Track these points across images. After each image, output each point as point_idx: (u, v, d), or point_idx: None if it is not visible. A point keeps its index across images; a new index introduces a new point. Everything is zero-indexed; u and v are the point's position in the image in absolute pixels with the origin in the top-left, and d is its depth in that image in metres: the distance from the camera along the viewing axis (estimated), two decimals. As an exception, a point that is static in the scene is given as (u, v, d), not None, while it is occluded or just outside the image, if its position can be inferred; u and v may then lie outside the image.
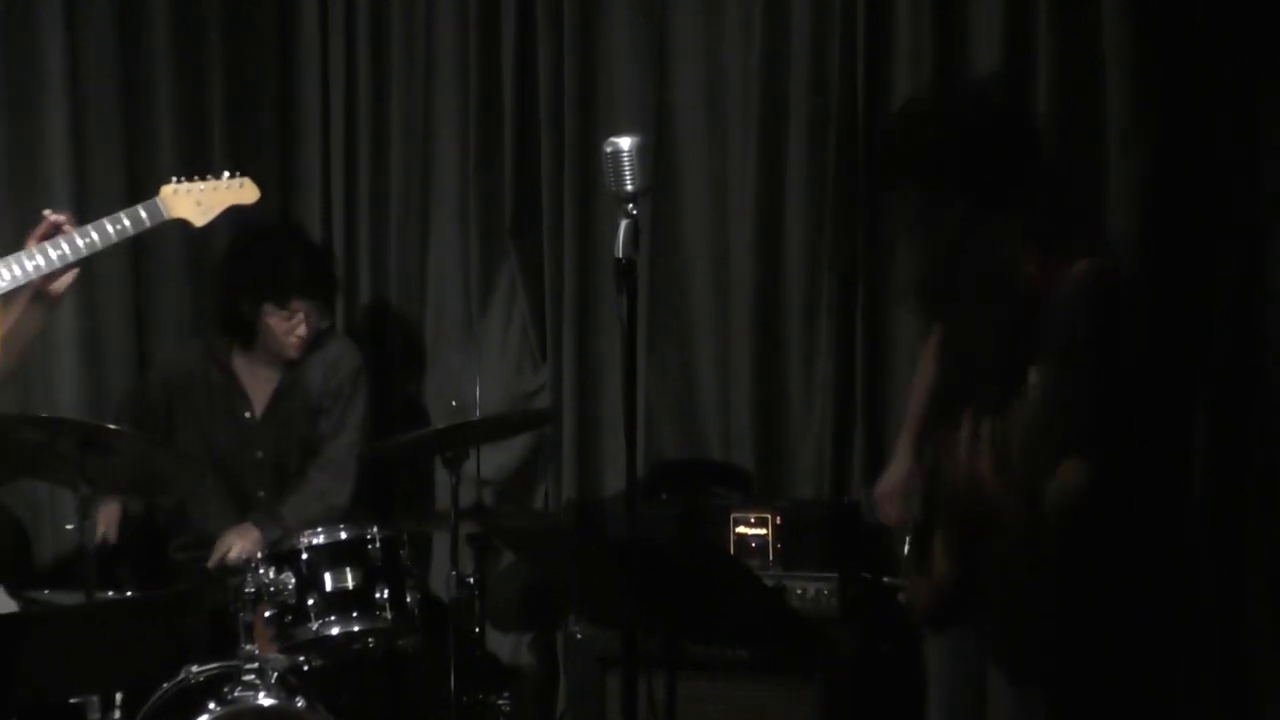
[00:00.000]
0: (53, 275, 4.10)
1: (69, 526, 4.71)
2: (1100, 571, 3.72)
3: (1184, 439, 4.37)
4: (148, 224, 4.24)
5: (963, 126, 3.71)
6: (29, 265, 4.00)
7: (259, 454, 5.45)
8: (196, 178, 4.35)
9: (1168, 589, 4.28)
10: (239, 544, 5.15)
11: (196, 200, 4.30)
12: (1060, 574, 3.68)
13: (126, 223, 4.17)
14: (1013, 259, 3.68)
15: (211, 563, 5.15)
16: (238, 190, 4.43)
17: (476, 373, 5.61)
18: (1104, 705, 3.76)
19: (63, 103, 5.76)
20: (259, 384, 5.50)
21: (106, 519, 5.29)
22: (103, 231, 4.09)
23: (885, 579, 4.72)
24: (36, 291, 4.14)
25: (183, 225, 4.43)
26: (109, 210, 4.17)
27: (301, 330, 5.39)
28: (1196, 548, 4.37)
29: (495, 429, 5.40)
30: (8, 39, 5.73)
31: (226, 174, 4.41)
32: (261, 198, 4.44)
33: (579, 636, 5.02)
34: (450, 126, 5.93)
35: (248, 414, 5.48)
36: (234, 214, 4.68)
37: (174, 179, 4.34)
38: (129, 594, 4.98)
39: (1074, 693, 3.70)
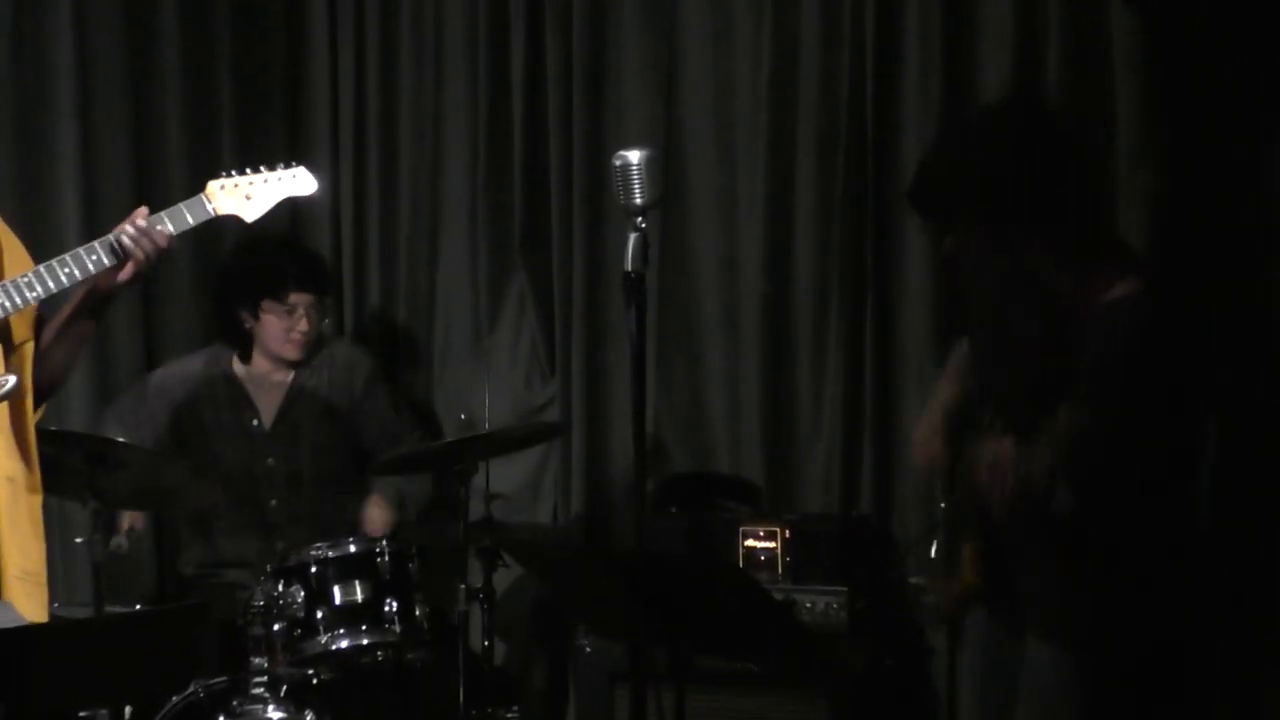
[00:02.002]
0: (100, 274, 3.77)
1: (78, 540, 4.71)
2: (1110, 576, 3.72)
3: (1194, 448, 4.36)
4: (191, 223, 3.87)
5: (1009, 149, 3.67)
6: (75, 270, 3.72)
7: (270, 462, 5.46)
8: (249, 170, 3.97)
9: (1176, 594, 4.27)
10: (379, 516, 5.28)
11: (245, 195, 3.93)
12: (1073, 576, 3.69)
13: (169, 224, 3.83)
14: (1050, 278, 3.66)
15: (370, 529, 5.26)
16: (291, 181, 4.01)
17: (485, 386, 5.60)
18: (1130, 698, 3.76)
19: (71, 114, 5.78)
20: (265, 392, 5.52)
21: (133, 515, 5.32)
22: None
23: (912, 579, 4.73)
24: (87, 292, 3.83)
25: (233, 221, 4.00)
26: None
27: (303, 326, 5.41)
28: (1204, 554, 4.36)
29: (504, 442, 5.39)
30: (18, 40, 5.76)
31: (282, 165, 4.02)
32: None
33: (588, 650, 5.01)
34: (459, 141, 5.93)
35: (255, 423, 5.49)
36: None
37: (222, 174, 3.96)
38: (138, 607, 4.98)
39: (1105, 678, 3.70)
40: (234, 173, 3.97)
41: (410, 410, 5.77)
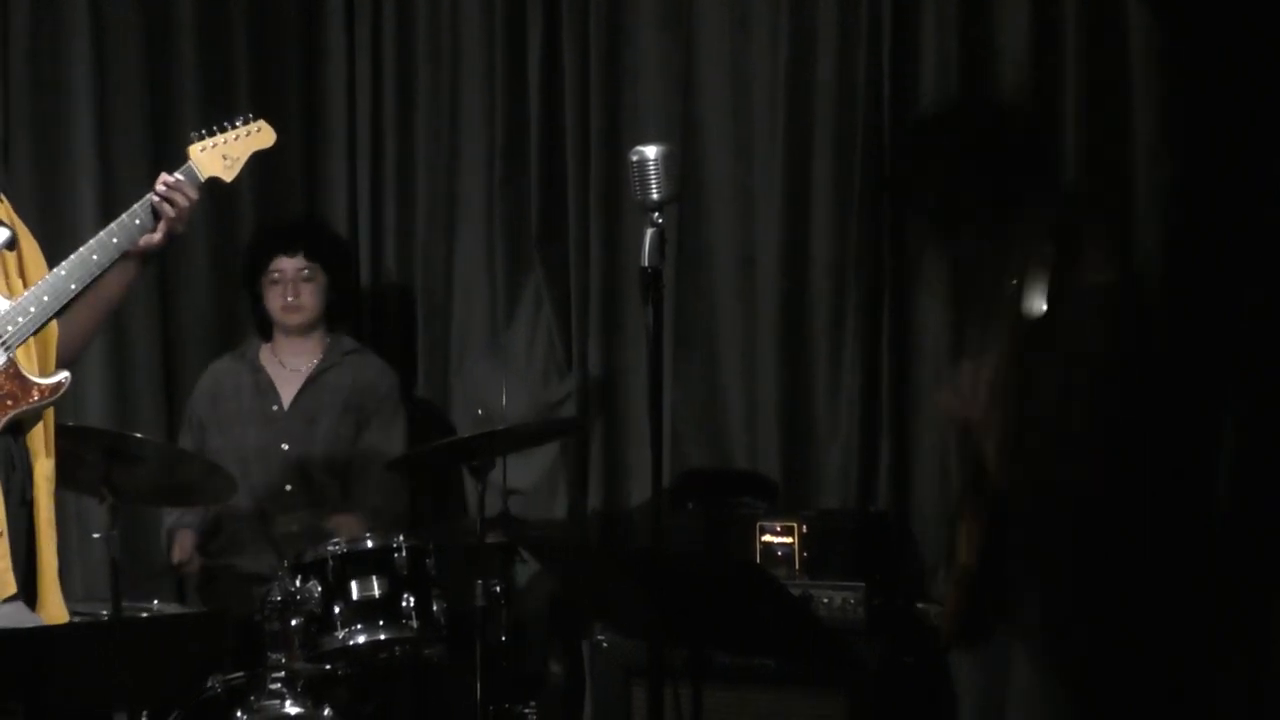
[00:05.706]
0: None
1: (96, 535, 4.72)
2: (1123, 573, 3.72)
3: (1210, 442, 4.36)
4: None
5: (984, 131, 3.73)
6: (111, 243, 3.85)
7: (285, 446, 5.48)
8: (215, 130, 4.05)
9: (1190, 593, 4.27)
10: (346, 529, 5.25)
11: (222, 154, 4.03)
12: (1082, 573, 3.69)
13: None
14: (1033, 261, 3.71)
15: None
16: (256, 135, 4.12)
17: (503, 382, 5.61)
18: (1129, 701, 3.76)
19: (88, 115, 5.81)
20: (287, 376, 5.58)
21: (183, 546, 5.37)
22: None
23: (919, 604, 4.74)
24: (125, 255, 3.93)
25: (214, 185, 4.09)
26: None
27: (291, 293, 5.48)
28: (1221, 551, 4.36)
29: (521, 438, 5.40)
30: (35, 38, 5.78)
31: (240, 120, 4.10)
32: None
33: (605, 646, 5.01)
34: (476, 137, 5.93)
35: (275, 407, 5.53)
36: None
37: (193, 135, 4.04)
38: (155, 604, 4.99)
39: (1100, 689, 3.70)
40: (205, 133, 4.05)
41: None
